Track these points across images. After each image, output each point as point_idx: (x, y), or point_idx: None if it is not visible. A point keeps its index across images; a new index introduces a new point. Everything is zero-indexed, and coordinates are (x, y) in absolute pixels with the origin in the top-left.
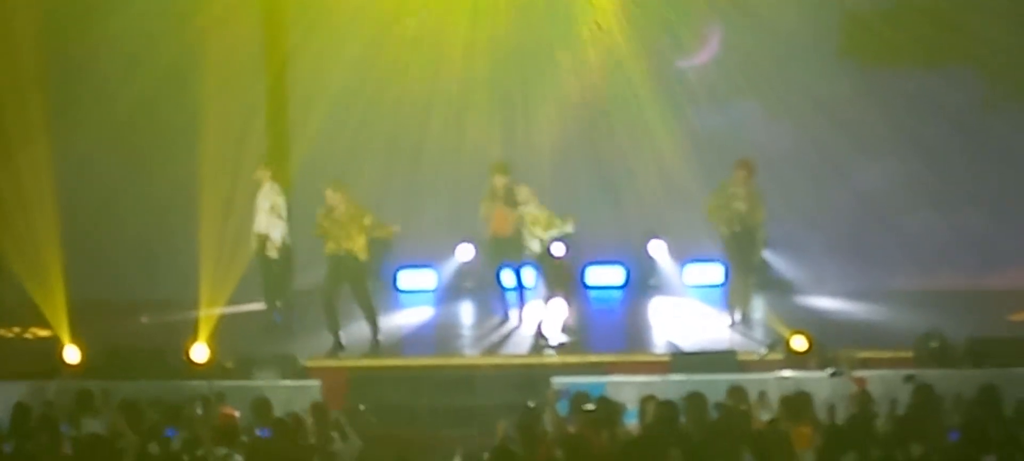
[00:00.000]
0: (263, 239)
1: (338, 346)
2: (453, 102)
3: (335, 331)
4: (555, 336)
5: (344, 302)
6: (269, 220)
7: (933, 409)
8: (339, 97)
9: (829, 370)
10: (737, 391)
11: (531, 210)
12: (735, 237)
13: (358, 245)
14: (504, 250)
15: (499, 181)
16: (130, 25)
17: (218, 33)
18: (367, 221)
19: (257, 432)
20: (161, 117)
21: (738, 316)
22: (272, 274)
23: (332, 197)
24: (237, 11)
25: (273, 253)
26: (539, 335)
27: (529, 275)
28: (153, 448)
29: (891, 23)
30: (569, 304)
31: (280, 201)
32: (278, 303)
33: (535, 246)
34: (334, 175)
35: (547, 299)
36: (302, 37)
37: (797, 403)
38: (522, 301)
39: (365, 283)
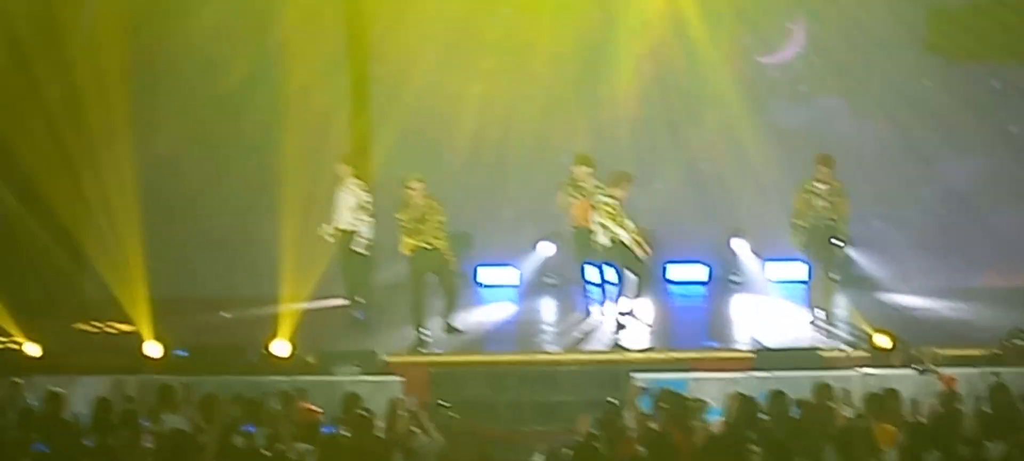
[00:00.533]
0: (349, 235)
1: (421, 342)
2: (536, 98)
3: (419, 327)
4: (630, 330)
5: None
6: (356, 216)
7: (1011, 408)
8: (422, 94)
9: (916, 367)
10: (824, 389)
11: (606, 200)
12: (816, 233)
13: (437, 237)
14: (589, 243)
15: (581, 172)
16: (213, 23)
17: (301, 30)
18: (442, 217)
19: (338, 429)
20: (243, 115)
21: (821, 313)
22: (355, 269)
23: (411, 192)
24: (320, 8)
25: (362, 249)
26: (616, 329)
27: (612, 270)
28: (233, 444)
29: (978, 17)
30: (640, 299)
31: (366, 197)
32: (360, 299)
33: (604, 239)
34: (416, 172)
35: (619, 294)
36: (385, 33)
37: (882, 400)
38: (605, 296)
39: (450, 271)
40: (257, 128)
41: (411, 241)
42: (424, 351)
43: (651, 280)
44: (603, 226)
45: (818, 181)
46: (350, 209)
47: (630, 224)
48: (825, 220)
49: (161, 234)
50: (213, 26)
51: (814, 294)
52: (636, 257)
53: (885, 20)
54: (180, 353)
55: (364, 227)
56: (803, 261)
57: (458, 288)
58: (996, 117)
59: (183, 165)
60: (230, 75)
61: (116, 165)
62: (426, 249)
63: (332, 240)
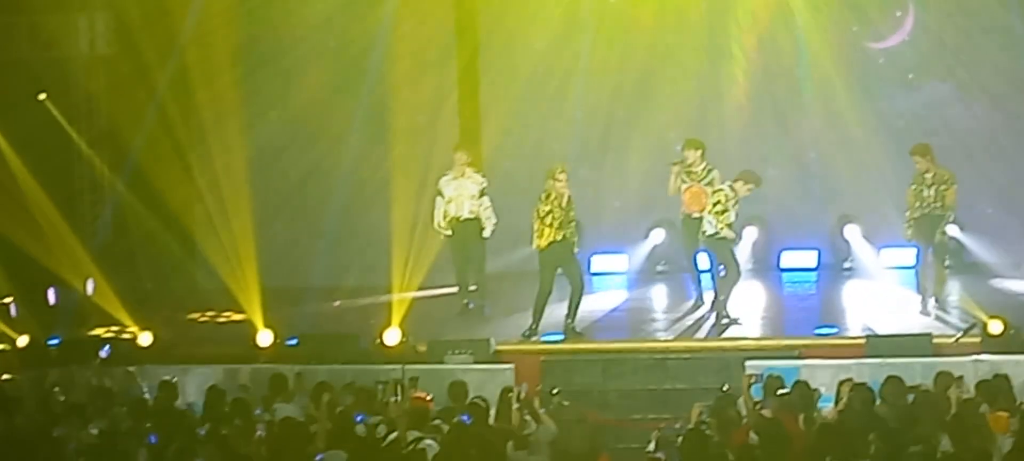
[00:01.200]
0: (470, 223)
1: (533, 331)
2: (643, 86)
3: (539, 317)
4: (734, 316)
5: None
6: (479, 203)
7: None
8: (530, 82)
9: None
10: (941, 376)
11: (724, 191)
12: (924, 222)
13: (572, 231)
14: (699, 230)
15: (693, 156)
16: (321, 11)
17: (409, 19)
18: (574, 211)
19: (456, 417)
20: (352, 103)
21: (932, 300)
22: (468, 258)
23: (556, 183)
24: None
25: (487, 234)
26: (721, 316)
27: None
28: (346, 432)
29: None
30: (736, 286)
31: (485, 185)
32: (472, 287)
33: (708, 227)
34: (526, 161)
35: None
36: (494, 22)
37: (994, 387)
38: (714, 284)
39: (579, 266)
40: (367, 115)
41: (551, 233)
42: (534, 339)
43: (737, 277)
44: (716, 216)
45: (924, 172)
46: (471, 198)
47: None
48: (933, 208)
49: (271, 222)
50: (322, 13)
51: (926, 281)
52: (732, 253)
53: (992, 4)
54: (292, 342)
55: (490, 213)
56: (913, 246)
57: (584, 285)
58: None
59: (293, 153)
60: (339, 62)
61: (226, 153)
62: (560, 242)
63: (449, 234)
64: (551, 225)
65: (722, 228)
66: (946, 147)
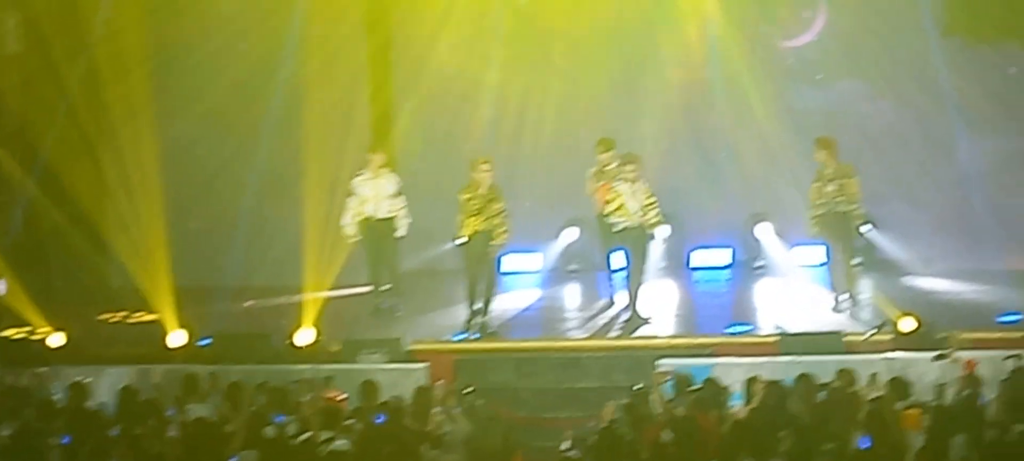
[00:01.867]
0: (385, 222)
1: (481, 326)
2: (557, 84)
3: (474, 310)
4: (651, 315)
5: (448, 284)
6: (395, 203)
7: None
8: (442, 79)
9: (935, 353)
10: (846, 373)
11: (624, 187)
12: (829, 218)
13: (495, 225)
14: (611, 229)
15: (604, 157)
16: (232, 7)
17: (320, 16)
18: (500, 205)
19: (370, 416)
20: (264, 100)
21: (843, 298)
22: (386, 257)
23: (481, 174)
24: None
25: (402, 234)
26: (634, 313)
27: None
28: (260, 432)
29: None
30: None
31: (400, 184)
32: (385, 286)
33: (620, 222)
34: (437, 160)
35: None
36: (405, 21)
37: (906, 384)
38: (628, 282)
39: (494, 263)
40: (279, 112)
41: (474, 222)
42: (487, 335)
43: (644, 262)
44: (616, 211)
45: (824, 166)
46: (388, 197)
47: (635, 204)
48: (837, 204)
49: (183, 222)
50: (233, 9)
51: (836, 278)
52: (645, 238)
53: (903, 4)
54: (204, 342)
55: (405, 213)
56: (822, 244)
57: (497, 281)
58: (1015, 100)
59: (204, 151)
60: (250, 59)
61: (137, 151)
62: (482, 233)
63: (356, 238)
64: (474, 214)
65: (622, 219)
66: (856, 145)
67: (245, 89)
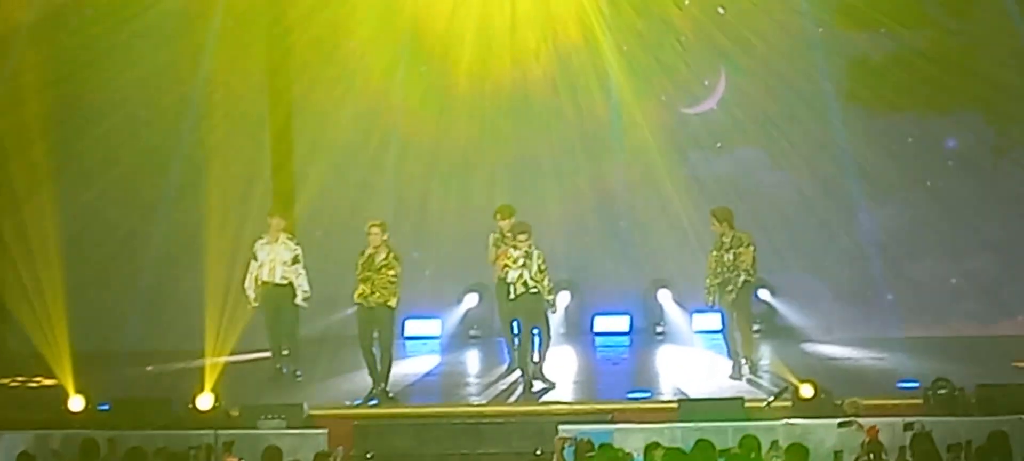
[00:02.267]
0: (282, 288)
1: (381, 394)
2: (458, 151)
3: (375, 376)
4: (551, 383)
5: (349, 351)
6: (288, 269)
7: (933, 457)
8: (344, 148)
9: (838, 420)
10: (750, 439)
11: (517, 255)
12: (726, 287)
13: (391, 293)
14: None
15: (504, 224)
16: (135, 78)
17: (223, 84)
18: (395, 272)
19: None
20: (166, 168)
21: (743, 364)
22: (285, 323)
23: (376, 239)
24: (242, 62)
25: (304, 303)
26: (534, 378)
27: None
28: None
29: (898, 68)
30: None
31: (300, 251)
32: (285, 352)
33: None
34: (340, 227)
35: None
36: (307, 88)
37: (805, 451)
38: (530, 347)
39: (391, 331)
40: (181, 180)
41: (363, 288)
42: (387, 401)
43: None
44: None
45: (721, 236)
46: (284, 264)
47: (527, 273)
48: (734, 272)
49: (84, 287)
50: (135, 79)
51: (735, 345)
52: (541, 305)
53: (807, 71)
54: (104, 407)
55: (303, 280)
56: (719, 312)
57: (392, 345)
58: (916, 167)
59: (106, 218)
60: (153, 128)
61: (38, 218)
62: (374, 304)
63: (255, 304)
64: (364, 280)
65: (519, 285)
66: (758, 211)
67: (148, 157)
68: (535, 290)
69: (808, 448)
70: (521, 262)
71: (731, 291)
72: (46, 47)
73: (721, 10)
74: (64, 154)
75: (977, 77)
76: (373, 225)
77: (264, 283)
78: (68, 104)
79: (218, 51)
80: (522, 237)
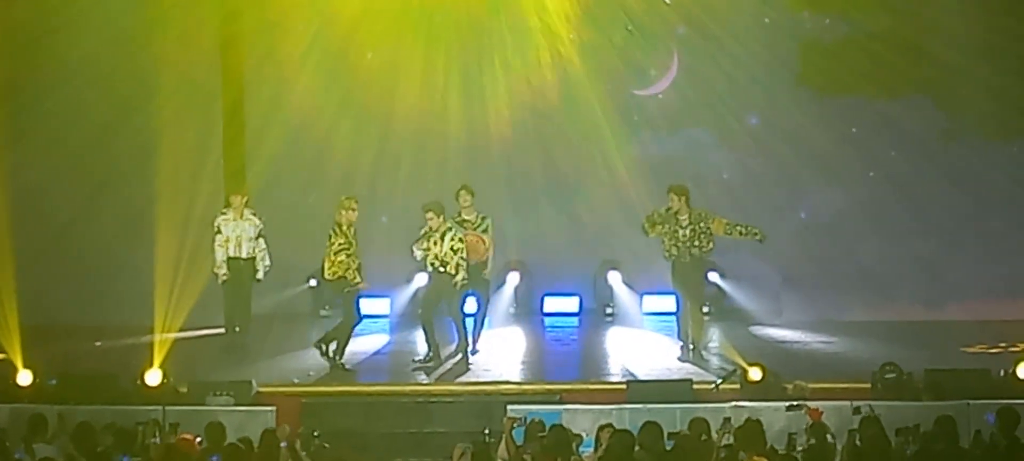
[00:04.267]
0: (243, 263)
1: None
2: (410, 131)
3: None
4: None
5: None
6: (254, 244)
7: (881, 440)
8: (296, 124)
9: (786, 403)
10: (699, 421)
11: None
12: (681, 265)
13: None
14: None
15: (465, 201)
16: (86, 53)
17: (174, 60)
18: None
19: (211, 458)
20: (117, 144)
21: (692, 346)
22: (242, 298)
23: (349, 214)
24: (194, 39)
25: (260, 277)
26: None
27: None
28: None
29: (849, 51)
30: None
31: (262, 226)
32: (238, 327)
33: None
34: (291, 201)
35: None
36: (258, 65)
37: (754, 433)
38: (480, 327)
39: (352, 305)
40: (132, 156)
41: (346, 262)
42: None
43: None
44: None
45: (678, 212)
46: (249, 239)
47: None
48: (690, 250)
49: (34, 262)
50: (87, 54)
51: (685, 327)
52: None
53: (759, 53)
54: (52, 382)
55: (265, 256)
56: (672, 293)
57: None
58: (866, 150)
59: (56, 193)
60: (104, 103)
61: None
62: (349, 274)
63: (226, 277)
64: (347, 257)
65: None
66: (708, 193)
67: (99, 132)
68: (441, 270)
69: (762, 423)
70: (433, 241)
71: (685, 269)
72: None
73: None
74: (14, 129)
75: (928, 61)
76: (355, 200)
77: (230, 258)
78: (18, 79)
79: (170, 26)
80: (429, 216)
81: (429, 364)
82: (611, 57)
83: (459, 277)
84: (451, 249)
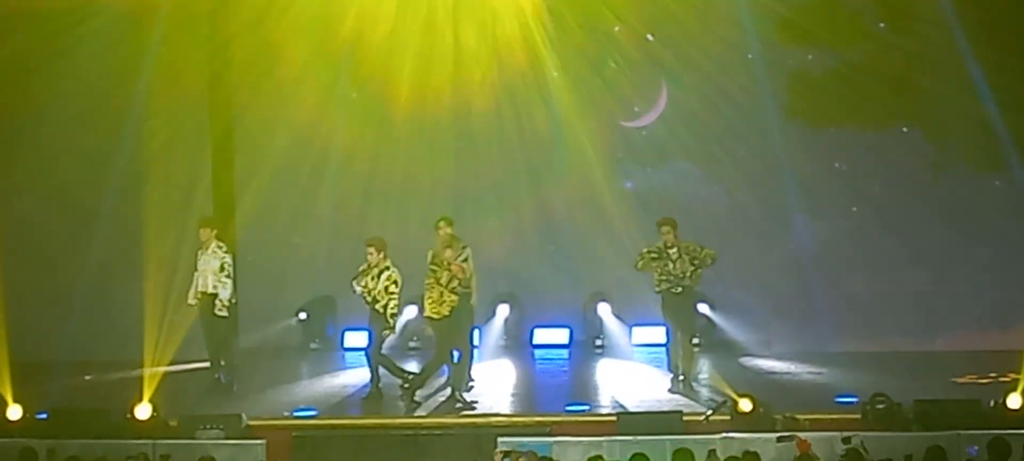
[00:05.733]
0: (210, 298)
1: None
2: (399, 165)
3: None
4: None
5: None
6: (218, 279)
7: None
8: (285, 158)
9: (776, 434)
10: (684, 452)
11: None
12: (673, 298)
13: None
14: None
15: (444, 233)
16: (76, 84)
17: (163, 93)
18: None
19: None
20: (106, 176)
21: (682, 377)
22: (217, 333)
23: (375, 257)
24: (183, 72)
25: (223, 312)
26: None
27: (476, 335)
28: None
29: (838, 83)
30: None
31: (228, 260)
32: (222, 362)
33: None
34: (280, 236)
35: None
36: (247, 99)
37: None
38: (471, 361)
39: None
40: (121, 190)
41: (453, 298)
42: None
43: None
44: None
45: (668, 245)
46: (213, 272)
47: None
48: (680, 283)
49: (23, 296)
50: (77, 87)
51: (675, 358)
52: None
53: (747, 86)
54: (42, 416)
55: (225, 291)
56: (663, 325)
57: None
58: (855, 183)
59: (45, 226)
60: (93, 135)
61: None
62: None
63: (195, 305)
64: (453, 290)
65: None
66: (697, 225)
67: (89, 166)
68: (376, 307)
69: (759, 456)
70: (371, 277)
71: (676, 301)
72: None
73: (650, 37)
74: (2, 161)
75: (916, 93)
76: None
77: (200, 293)
78: (7, 111)
79: (159, 60)
80: (370, 251)
81: (411, 388)
82: (600, 91)
83: (388, 313)
84: (385, 289)
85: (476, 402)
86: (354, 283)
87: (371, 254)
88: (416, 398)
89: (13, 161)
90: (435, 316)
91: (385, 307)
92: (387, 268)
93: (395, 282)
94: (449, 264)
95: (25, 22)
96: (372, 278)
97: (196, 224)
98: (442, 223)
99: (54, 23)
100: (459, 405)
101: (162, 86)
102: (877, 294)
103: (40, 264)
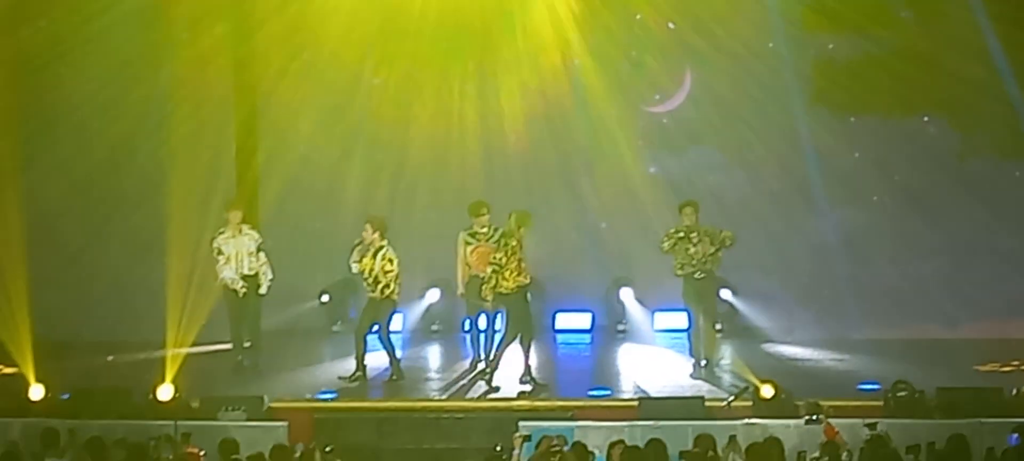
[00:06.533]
0: (248, 279)
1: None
2: (426, 148)
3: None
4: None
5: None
6: (255, 259)
7: (894, 459)
8: (310, 142)
9: (804, 417)
10: (705, 438)
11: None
12: (693, 281)
13: (392, 287)
14: (480, 291)
15: (479, 220)
16: (102, 72)
17: (187, 82)
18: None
19: None
20: (132, 161)
21: (704, 363)
22: (244, 315)
23: (370, 235)
24: (206, 61)
25: (264, 291)
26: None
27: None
28: None
29: (865, 69)
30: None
31: (261, 241)
32: (246, 344)
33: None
34: (304, 220)
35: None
36: (272, 84)
37: (765, 450)
38: (491, 344)
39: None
40: (145, 173)
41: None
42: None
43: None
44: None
45: (690, 228)
46: (250, 254)
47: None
48: (703, 266)
49: (48, 277)
50: (101, 75)
51: (697, 344)
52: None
53: (774, 71)
54: (64, 396)
55: (267, 269)
56: (684, 310)
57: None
58: (881, 170)
59: (72, 210)
60: (120, 122)
61: (3, 208)
62: (379, 298)
63: (244, 288)
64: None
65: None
66: (722, 209)
67: (115, 152)
68: (372, 286)
69: (770, 446)
70: (368, 255)
71: (698, 286)
72: (12, 41)
73: (671, 25)
74: (32, 147)
75: (944, 78)
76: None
77: (241, 275)
78: (35, 98)
79: (182, 48)
80: (366, 229)
81: (353, 384)
82: (627, 74)
83: (378, 293)
84: (382, 269)
85: (498, 386)
86: (350, 262)
87: (366, 231)
88: (492, 382)
89: (43, 145)
90: (510, 289)
91: (382, 288)
92: (382, 247)
93: (390, 260)
94: (521, 242)
95: (55, 8)
96: (369, 257)
97: (220, 207)
98: (483, 210)
99: (80, 12)
100: (485, 389)
101: (188, 71)
102: (900, 281)
103: (67, 246)
